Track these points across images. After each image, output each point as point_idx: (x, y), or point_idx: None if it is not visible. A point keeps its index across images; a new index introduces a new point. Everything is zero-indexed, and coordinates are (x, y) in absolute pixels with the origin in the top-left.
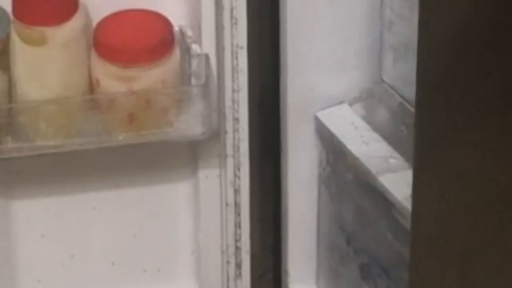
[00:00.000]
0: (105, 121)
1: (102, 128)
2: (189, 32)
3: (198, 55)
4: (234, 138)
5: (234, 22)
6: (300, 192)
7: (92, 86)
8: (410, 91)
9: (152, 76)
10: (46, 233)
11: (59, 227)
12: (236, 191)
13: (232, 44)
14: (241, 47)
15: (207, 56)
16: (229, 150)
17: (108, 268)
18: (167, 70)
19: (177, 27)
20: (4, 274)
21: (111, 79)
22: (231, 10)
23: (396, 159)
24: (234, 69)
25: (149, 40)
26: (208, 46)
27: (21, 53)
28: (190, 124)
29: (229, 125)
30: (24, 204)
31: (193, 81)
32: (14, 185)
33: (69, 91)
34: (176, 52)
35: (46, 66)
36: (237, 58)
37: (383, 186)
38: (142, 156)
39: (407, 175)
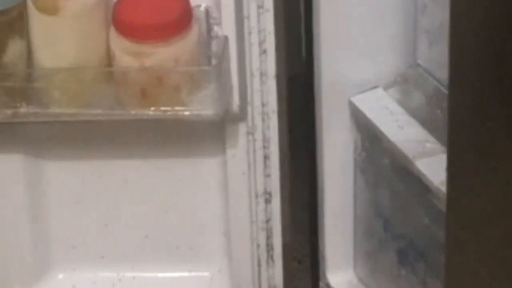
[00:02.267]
0: (118, 94)
1: (115, 101)
2: (214, 13)
3: (217, 36)
4: (263, 121)
5: (260, 5)
6: (335, 177)
7: (109, 59)
8: (445, 75)
9: (164, 54)
10: (81, 200)
11: (93, 196)
12: (266, 176)
13: (259, 29)
14: (269, 32)
15: (226, 38)
16: (258, 135)
17: (141, 241)
18: (181, 49)
19: (203, 7)
20: (39, 239)
21: (125, 53)
22: None
23: (432, 143)
24: (261, 54)
25: (163, 17)
26: (228, 28)
27: (36, 21)
28: (201, 104)
29: (257, 110)
30: (58, 170)
31: (213, 62)
32: (49, 151)
33: (83, 62)
34: (193, 32)
35: (59, 36)
36: (264, 41)
37: (419, 171)
38: (172, 131)
39: (443, 159)
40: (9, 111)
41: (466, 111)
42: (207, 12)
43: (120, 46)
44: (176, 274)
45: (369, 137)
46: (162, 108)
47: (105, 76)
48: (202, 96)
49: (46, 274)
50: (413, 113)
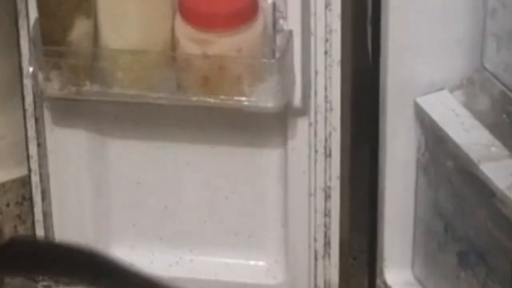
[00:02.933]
0: (180, 80)
1: (177, 86)
2: (281, 7)
3: (283, 30)
4: (325, 116)
5: (328, 2)
6: (397, 176)
7: (174, 45)
8: None
9: (228, 43)
10: (142, 180)
11: (154, 177)
12: (326, 171)
13: (325, 25)
14: (335, 29)
15: (290, 33)
16: (320, 130)
17: (200, 225)
18: (244, 39)
19: (270, 0)
20: (100, 216)
21: (188, 40)
22: None
23: (497, 148)
24: (326, 50)
25: (229, 6)
26: (293, 22)
27: (103, 1)
28: (262, 96)
29: (320, 105)
30: (122, 149)
31: (276, 55)
32: (114, 130)
33: (147, 45)
34: (258, 24)
35: (125, 17)
36: (329, 38)
37: (484, 174)
38: (236, 120)
39: (509, 164)
40: (73, 88)
41: None
42: (273, 5)
43: (184, 33)
44: (233, 261)
45: (433, 138)
46: (222, 97)
47: (168, 61)
48: (263, 88)
49: (105, 249)
50: (479, 117)
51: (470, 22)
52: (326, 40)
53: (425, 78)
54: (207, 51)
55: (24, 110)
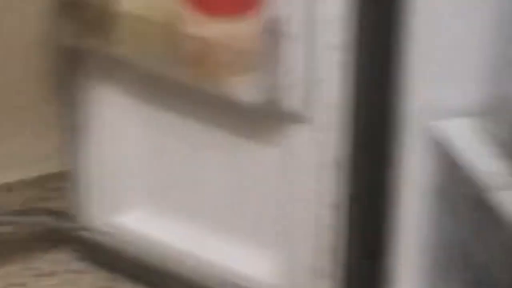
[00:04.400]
0: (175, 55)
1: (172, 60)
2: (286, 10)
3: (281, 31)
4: (334, 130)
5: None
6: (412, 200)
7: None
8: None
9: (220, 28)
10: (167, 151)
11: (178, 149)
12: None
13: (332, 34)
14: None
15: (289, 35)
16: (327, 143)
17: (217, 209)
18: (238, 29)
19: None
20: (125, 179)
21: (187, 19)
22: None
23: None
24: (337, 61)
25: None
26: (295, 25)
27: None
28: (243, 88)
29: (325, 118)
30: (146, 117)
31: (263, 52)
32: (142, 99)
33: (150, 14)
34: (257, 18)
35: None
36: (335, 39)
37: (501, 203)
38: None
39: None
40: (82, 39)
41: None
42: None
43: (185, 11)
44: (243, 253)
45: (449, 164)
46: (208, 80)
47: (166, 34)
48: (245, 79)
49: (129, 209)
50: (497, 144)
51: (489, 49)
52: (332, 39)
53: (443, 103)
54: (201, 32)
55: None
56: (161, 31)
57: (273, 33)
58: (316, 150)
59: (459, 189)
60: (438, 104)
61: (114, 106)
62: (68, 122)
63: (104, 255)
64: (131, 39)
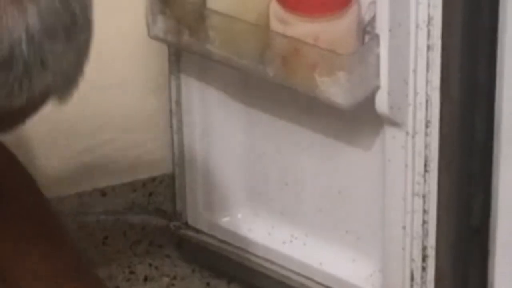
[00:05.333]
0: (264, 54)
1: (260, 59)
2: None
3: (369, 32)
4: (426, 129)
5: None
6: (511, 206)
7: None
8: None
9: (305, 29)
10: (266, 152)
11: (276, 151)
12: (426, 182)
13: (427, 37)
14: (437, 36)
15: (377, 36)
16: (419, 146)
17: (316, 213)
18: (324, 29)
19: (368, 2)
20: (231, 180)
21: (274, 18)
22: None
23: None
24: (428, 65)
25: None
26: (381, 27)
27: None
28: (332, 89)
29: (420, 118)
30: (247, 119)
31: (350, 53)
32: (242, 98)
33: (241, 12)
34: (344, 19)
35: None
36: (430, 40)
37: None
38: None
39: None
40: (174, 36)
41: None
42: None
43: (273, 10)
44: (340, 257)
45: None
46: (297, 81)
47: (255, 32)
48: (332, 81)
49: (228, 210)
50: None
51: None
52: (428, 48)
53: None
54: (286, 31)
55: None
56: (252, 30)
57: (362, 35)
58: (409, 155)
59: None
60: None
61: (216, 106)
62: (174, 122)
63: (206, 256)
64: (222, 37)
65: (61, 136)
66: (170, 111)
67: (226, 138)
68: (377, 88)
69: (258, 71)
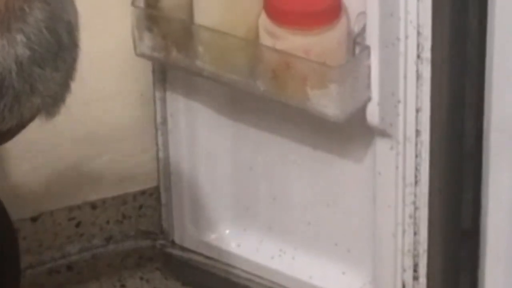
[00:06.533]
0: (254, 68)
1: (250, 73)
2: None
3: (359, 43)
4: (417, 137)
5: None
6: (500, 212)
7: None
8: None
9: (296, 42)
10: (254, 167)
11: (265, 166)
12: (416, 195)
13: (417, 46)
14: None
15: (367, 48)
16: (409, 158)
17: (304, 226)
18: (314, 42)
19: (356, 14)
20: (217, 195)
21: (264, 31)
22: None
23: None
24: (418, 73)
25: (305, 8)
26: (371, 38)
27: None
28: (322, 101)
29: (408, 132)
30: (236, 133)
31: (341, 65)
32: (230, 113)
33: (229, 27)
34: (334, 31)
35: None
36: (420, 61)
37: None
38: (330, 126)
39: None
40: (162, 53)
41: None
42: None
43: (263, 23)
44: (329, 270)
45: None
46: (287, 94)
47: (245, 47)
48: (323, 93)
49: (216, 226)
50: None
51: None
52: (418, 59)
53: None
54: (276, 45)
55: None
56: (242, 44)
57: (352, 46)
58: (400, 166)
59: None
60: None
61: (202, 121)
62: (159, 139)
63: (194, 273)
64: (211, 52)
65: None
66: (156, 128)
67: (213, 153)
68: (369, 99)
69: (248, 86)
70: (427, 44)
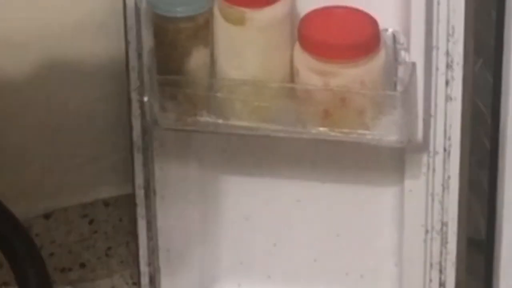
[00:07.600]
0: (300, 112)
1: (296, 118)
2: (401, 39)
3: (405, 62)
4: (445, 152)
5: (450, 34)
6: None
7: (292, 76)
8: None
9: (350, 75)
10: (251, 216)
11: (263, 213)
12: (444, 210)
13: (447, 55)
14: (457, 63)
15: (413, 65)
16: (438, 165)
17: (310, 264)
18: (367, 71)
19: (390, 31)
20: (209, 252)
21: (309, 71)
22: (448, 22)
23: None
24: (448, 83)
25: (352, 38)
26: (416, 54)
27: (221, 30)
28: (385, 130)
29: (439, 140)
30: (231, 184)
31: (398, 88)
32: (223, 163)
33: (266, 75)
34: (381, 55)
35: (243, 47)
36: (451, 71)
37: None
38: (350, 155)
39: None
40: (189, 119)
41: None
42: (393, 36)
43: (305, 63)
44: None
45: None
46: (345, 130)
47: (288, 92)
48: (386, 121)
49: (212, 285)
50: None
51: None
52: (447, 73)
53: None
54: (329, 83)
55: (132, 143)
56: (285, 91)
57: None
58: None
59: None
60: None
61: (191, 173)
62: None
63: None
64: (248, 106)
65: None
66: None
67: (208, 204)
68: (416, 117)
69: (295, 132)
70: (457, 64)
